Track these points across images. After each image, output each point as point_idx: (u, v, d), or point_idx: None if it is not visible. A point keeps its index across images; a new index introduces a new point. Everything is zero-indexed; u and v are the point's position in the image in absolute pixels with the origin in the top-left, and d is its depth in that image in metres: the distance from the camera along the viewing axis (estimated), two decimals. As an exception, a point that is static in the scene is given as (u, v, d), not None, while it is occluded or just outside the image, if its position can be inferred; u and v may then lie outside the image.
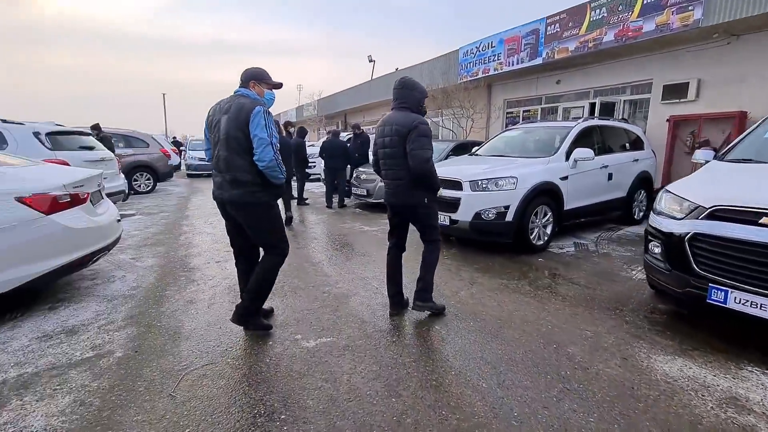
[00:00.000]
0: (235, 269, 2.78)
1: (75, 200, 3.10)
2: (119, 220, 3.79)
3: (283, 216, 7.12)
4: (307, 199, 8.63)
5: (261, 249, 2.63)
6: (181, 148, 19.68)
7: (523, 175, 4.58)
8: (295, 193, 8.46)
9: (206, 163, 15.80)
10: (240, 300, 2.60)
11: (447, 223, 4.57)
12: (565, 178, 4.95)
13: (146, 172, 10.37)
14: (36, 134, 5.54)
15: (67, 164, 5.51)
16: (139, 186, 10.25)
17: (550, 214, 4.82)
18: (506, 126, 12.63)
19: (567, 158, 5.04)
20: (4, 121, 5.65)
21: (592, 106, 10.32)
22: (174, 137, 31.29)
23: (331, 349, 2.41)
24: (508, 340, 2.53)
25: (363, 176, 7.93)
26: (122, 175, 6.94)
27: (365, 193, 7.75)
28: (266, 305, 2.82)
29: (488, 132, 13.43)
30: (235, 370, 2.18)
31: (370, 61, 23.58)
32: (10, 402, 1.88)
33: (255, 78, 2.51)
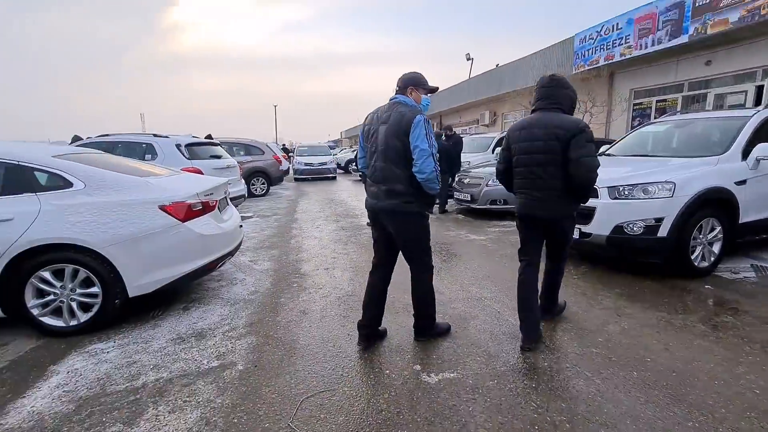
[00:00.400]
0: (344, 278, 2.62)
1: (206, 207, 3.29)
2: (241, 226, 3.99)
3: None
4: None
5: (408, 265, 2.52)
6: (290, 154, 21.36)
7: (683, 179, 3.65)
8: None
9: (311, 167, 16.91)
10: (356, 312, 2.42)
11: (576, 236, 3.88)
12: (743, 182, 3.86)
13: (261, 177, 11.34)
14: (177, 146, 6.32)
15: (201, 172, 6.15)
16: (256, 189, 11.25)
17: (719, 228, 3.79)
18: (634, 121, 10.87)
19: (744, 157, 3.93)
20: (156, 135, 6.55)
21: (759, 90, 8.25)
22: (283, 144, 34.41)
23: (458, 389, 2.06)
24: (698, 407, 1.89)
25: (467, 180, 7.44)
26: (242, 181, 7.59)
27: (469, 198, 7.25)
28: (381, 326, 2.63)
29: (609, 129, 11.76)
30: (353, 403, 1.98)
31: (468, 59, 22.76)
32: (147, 410, 1.93)
33: (413, 83, 2.41)
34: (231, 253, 3.57)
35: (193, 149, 6.47)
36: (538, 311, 2.53)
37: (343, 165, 20.80)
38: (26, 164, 2.81)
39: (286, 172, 13.72)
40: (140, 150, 6.31)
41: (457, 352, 2.44)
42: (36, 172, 2.82)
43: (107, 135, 6.47)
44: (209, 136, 9.83)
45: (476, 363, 2.31)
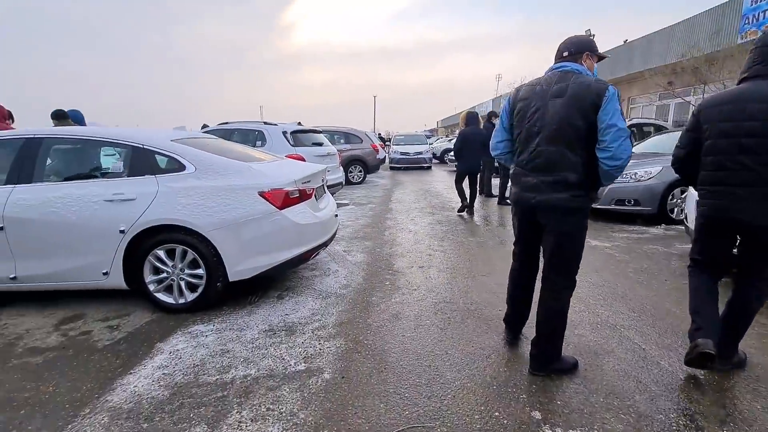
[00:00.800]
0: (440, 281, 2.24)
1: (303, 195, 3.18)
2: (336, 215, 3.86)
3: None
4: (507, 199, 7.66)
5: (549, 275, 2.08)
6: (386, 143, 21.51)
7: None
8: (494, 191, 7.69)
9: (407, 157, 16.74)
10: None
11: None
12: None
13: (359, 165, 11.48)
14: (284, 133, 6.57)
15: (304, 159, 6.29)
16: (353, 177, 11.44)
17: None
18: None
19: None
20: (266, 123, 6.90)
21: None
22: (379, 133, 35.05)
23: (597, 460, 1.54)
24: None
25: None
26: (341, 168, 7.65)
27: (589, 196, 6.20)
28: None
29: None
30: (454, 449, 1.60)
31: (589, 36, 19.99)
32: (231, 413, 1.82)
33: (589, 49, 1.99)
34: (326, 244, 3.44)
35: (297, 136, 6.67)
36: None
37: (438, 155, 20.26)
38: (149, 148, 2.98)
39: (383, 160, 13.73)
40: (252, 136, 6.70)
41: (590, 402, 1.88)
42: (156, 156, 2.98)
43: (226, 123, 7.03)
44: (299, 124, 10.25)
45: (620, 424, 1.73)
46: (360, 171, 11.54)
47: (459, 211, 6.66)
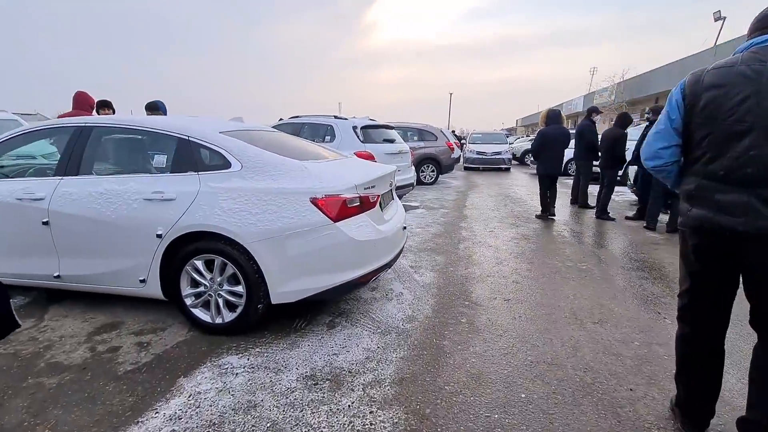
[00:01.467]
0: (536, 326, 1.47)
1: (365, 204, 2.57)
2: (405, 227, 3.20)
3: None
4: (609, 212, 6.40)
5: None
6: (462, 141, 20.39)
7: None
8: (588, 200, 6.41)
9: (484, 156, 15.54)
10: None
11: None
12: None
13: (432, 165, 10.72)
14: (354, 128, 6.09)
15: (373, 158, 5.74)
16: (425, 177, 10.72)
17: None
18: None
19: None
20: (336, 117, 6.48)
21: None
22: (453, 131, 33.72)
23: None
24: None
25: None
26: (413, 168, 6.99)
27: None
28: None
29: None
30: None
31: (717, 19, 16.79)
32: None
33: None
34: (389, 264, 2.80)
35: (367, 132, 6.15)
36: None
37: (519, 155, 18.64)
38: (195, 140, 2.58)
39: (458, 160, 12.79)
40: (322, 131, 6.33)
41: None
42: (201, 149, 2.57)
43: (297, 117, 6.76)
44: (370, 120, 9.72)
45: None
46: (433, 171, 10.77)
47: (537, 216, 6.29)
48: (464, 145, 17.79)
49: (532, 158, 19.24)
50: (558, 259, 4.22)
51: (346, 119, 6.23)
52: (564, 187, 8.15)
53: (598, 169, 6.76)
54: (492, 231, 5.40)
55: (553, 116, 6.16)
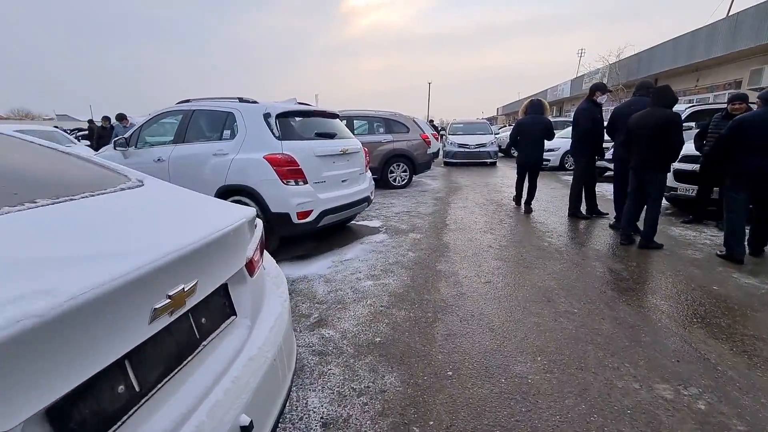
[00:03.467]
0: None
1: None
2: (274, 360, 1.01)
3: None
4: (606, 213, 5.14)
5: None
6: (441, 132, 18.28)
7: None
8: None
9: (467, 149, 13.44)
10: None
11: None
12: None
13: (403, 163, 8.53)
14: (266, 117, 3.76)
15: (296, 163, 3.55)
16: (395, 179, 8.53)
17: None
18: None
19: None
20: (241, 100, 4.17)
21: None
22: (431, 120, 31.52)
23: None
24: None
25: None
26: (368, 176, 4.77)
27: None
28: None
29: None
30: None
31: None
32: None
33: None
34: None
35: (289, 123, 3.89)
36: None
37: (504, 147, 16.67)
38: None
39: (436, 155, 10.65)
40: (219, 122, 4.04)
41: None
42: None
43: (188, 101, 4.42)
44: (299, 104, 7.37)
45: None
46: (404, 171, 8.59)
47: (514, 200, 6.36)
48: (443, 137, 15.68)
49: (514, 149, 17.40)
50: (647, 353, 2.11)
51: (256, 103, 3.95)
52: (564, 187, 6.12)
53: (604, 166, 4.92)
54: (489, 282, 3.28)
55: (531, 106, 5.91)
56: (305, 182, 3.70)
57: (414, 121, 9.01)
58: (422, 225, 5.25)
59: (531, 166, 5.91)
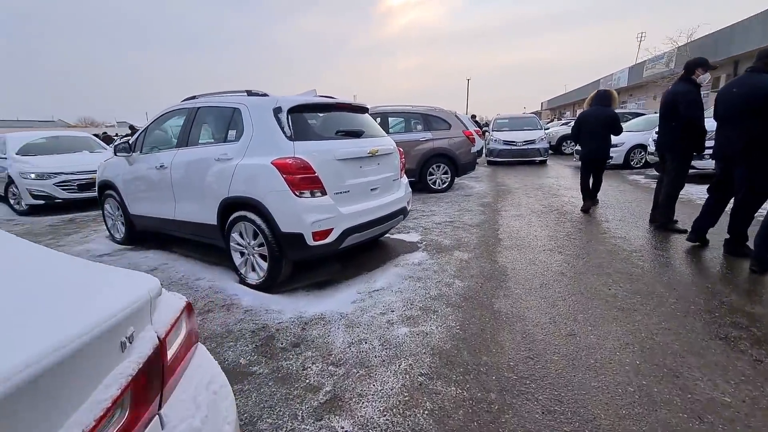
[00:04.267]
0: None
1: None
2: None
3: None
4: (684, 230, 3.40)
5: None
6: (484, 129, 17.05)
7: None
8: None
9: (514, 147, 12.21)
10: None
11: None
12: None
13: (444, 163, 7.60)
14: (276, 112, 3.00)
15: (310, 170, 2.79)
16: (434, 182, 7.62)
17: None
18: None
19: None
20: (250, 93, 3.47)
21: None
22: (473, 116, 29.90)
23: None
24: None
25: None
26: (404, 182, 3.93)
27: None
28: None
29: None
30: None
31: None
32: None
33: None
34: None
35: (304, 119, 3.12)
36: None
37: (554, 143, 15.19)
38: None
39: (480, 153, 9.58)
40: (223, 120, 3.36)
41: None
42: None
43: (194, 97, 3.80)
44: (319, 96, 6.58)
45: None
46: (446, 173, 7.65)
47: (582, 210, 5.48)
48: (486, 134, 14.52)
49: (573, 146, 15.83)
50: None
51: (266, 96, 3.22)
52: (643, 192, 4.90)
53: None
54: (573, 335, 2.33)
55: (597, 97, 5.47)
56: (323, 193, 2.93)
57: (456, 116, 8.04)
58: (469, 240, 4.33)
59: (595, 162, 5.53)
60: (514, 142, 12.09)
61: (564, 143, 15.47)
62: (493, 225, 4.97)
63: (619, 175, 9.20)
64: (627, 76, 21.70)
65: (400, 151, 3.93)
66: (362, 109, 3.74)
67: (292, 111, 3.05)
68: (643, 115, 12.61)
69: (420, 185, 7.52)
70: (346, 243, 3.10)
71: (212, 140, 3.47)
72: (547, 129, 15.32)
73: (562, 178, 9.06)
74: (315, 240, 2.86)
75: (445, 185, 7.68)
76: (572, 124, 17.32)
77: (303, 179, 2.83)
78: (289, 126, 2.99)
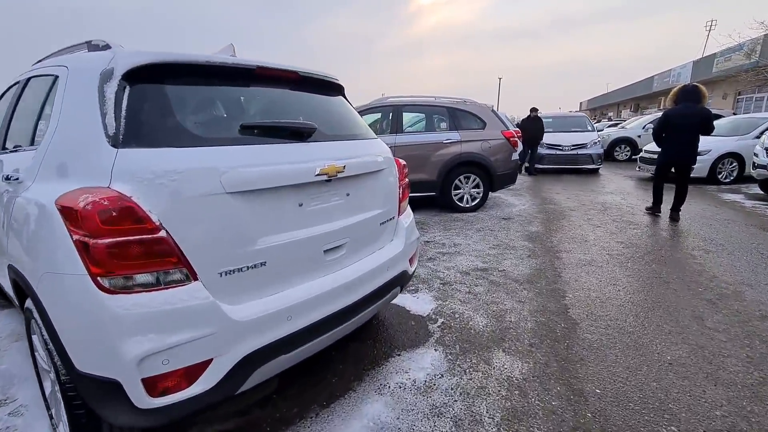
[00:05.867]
0: None
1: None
2: None
3: None
4: None
5: None
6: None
7: None
8: None
9: (561, 152, 10.06)
10: None
11: None
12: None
13: (475, 174, 5.72)
14: (103, 76, 1.40)
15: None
16: (461, 199, 5.76)
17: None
18: None
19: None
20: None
21: None
22: (506, 115, 27.46)
23: None
24: None
25: None
26: (404, 220, 2.15)
27: None
28: None
29: None
30: None
31: None
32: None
33: None
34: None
35: (162, 100, 1.41)
36: None
37: (606, 148, 12.88)
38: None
39: (521, 160, 7.58)
40: (37, 102, 1.71)
41: None
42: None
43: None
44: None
45: None
46: (477, 187, 5.78)
47: (647, 210, 5.28)
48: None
49: (627, 150, 13.38)
50: None
51: (107, 49, 1.55)
52: (729, 210, 3.20)
53: None
54: None
55: (684, 93, 4.80)
56: (187, 276, 1.20)
57: (493, 111, 6.14)
58: (518, 317, 2.50)
59: (681, 166, 4.86)
60: (560, 146, 10.00)
61: (618, 148, 13.14)
62: (553, 282, 3.10)
63: (705, 192, 7.02)
64: (690, 71, 18.75)
65: (398, 162, 2.16)
66: (322, 85, 1.95)
67: (132, 78, 1.33)
68: (721, 117, 10.15)
69: (441, 201, 5.70)
70: (254, 379, 1.37)
71: (18, 144, 1.81)
72: (600, 131, 13.00)
73: (628, 194, 6.97)
74: (153, 394, 1.14)
75: (475, 202, 5.80)
76: (626, 125, 14.77)
77: (123, 245, 1.11)
78: (118, 112, 1.27)
